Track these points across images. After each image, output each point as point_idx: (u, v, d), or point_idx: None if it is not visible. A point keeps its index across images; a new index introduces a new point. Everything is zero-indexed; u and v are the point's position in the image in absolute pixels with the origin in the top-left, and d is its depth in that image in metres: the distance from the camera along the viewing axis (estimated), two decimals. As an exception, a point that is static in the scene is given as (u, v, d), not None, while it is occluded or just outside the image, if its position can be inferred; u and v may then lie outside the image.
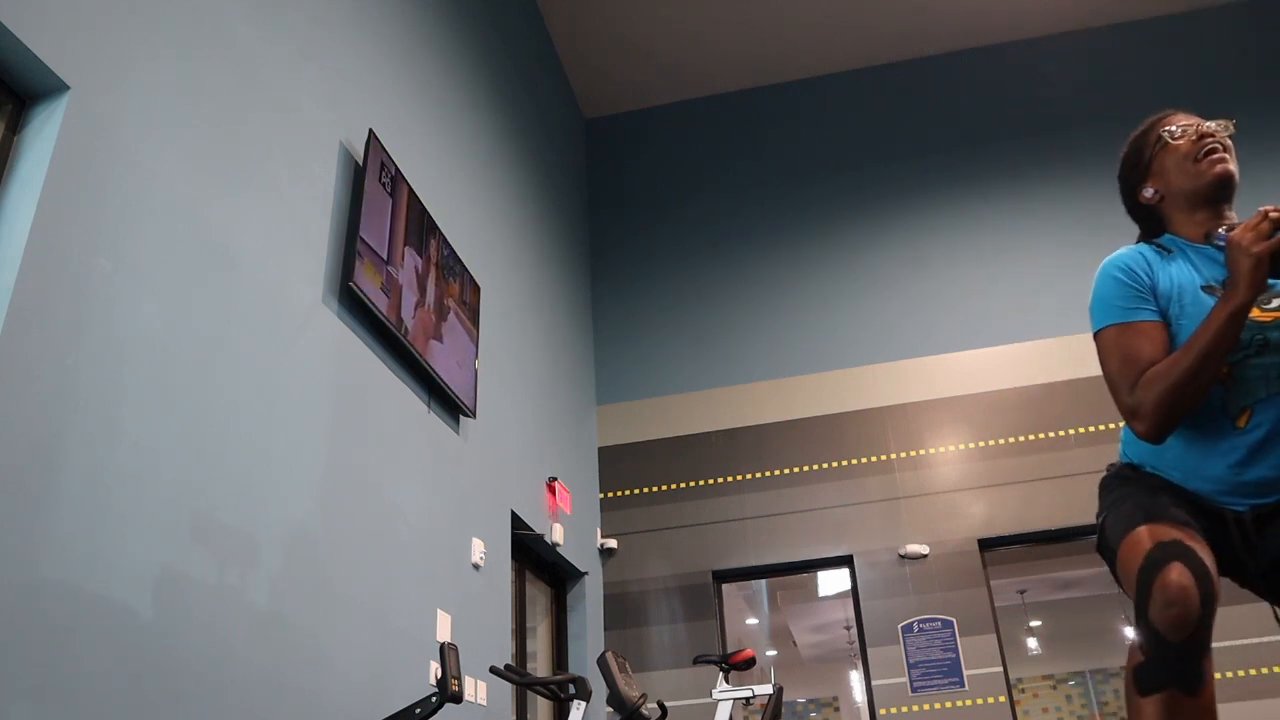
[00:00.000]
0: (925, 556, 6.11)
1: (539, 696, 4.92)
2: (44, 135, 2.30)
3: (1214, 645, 1.47)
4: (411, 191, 4.14)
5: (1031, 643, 12.49)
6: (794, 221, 7.43)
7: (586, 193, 7.92)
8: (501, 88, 6.01)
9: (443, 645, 2.52)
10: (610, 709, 4.20)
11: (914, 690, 5.79)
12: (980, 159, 7.34)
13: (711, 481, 6.67)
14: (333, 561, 3.21)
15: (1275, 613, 1.69)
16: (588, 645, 6.01)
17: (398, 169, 4.03)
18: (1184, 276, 1.74)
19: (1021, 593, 11.12)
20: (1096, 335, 1.76)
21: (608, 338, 7.36)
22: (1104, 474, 1.86)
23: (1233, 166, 1.77)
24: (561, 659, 5.95)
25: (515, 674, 3.61)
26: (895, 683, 5.85)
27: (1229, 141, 1.80)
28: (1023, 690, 13.47)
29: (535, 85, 6.86)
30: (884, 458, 6.47)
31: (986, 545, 6.13)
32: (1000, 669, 5.76)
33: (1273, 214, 1.57)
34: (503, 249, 5.60)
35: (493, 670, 3.61)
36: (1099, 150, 7.12)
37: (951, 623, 5.90)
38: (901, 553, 6.15)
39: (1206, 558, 1.48)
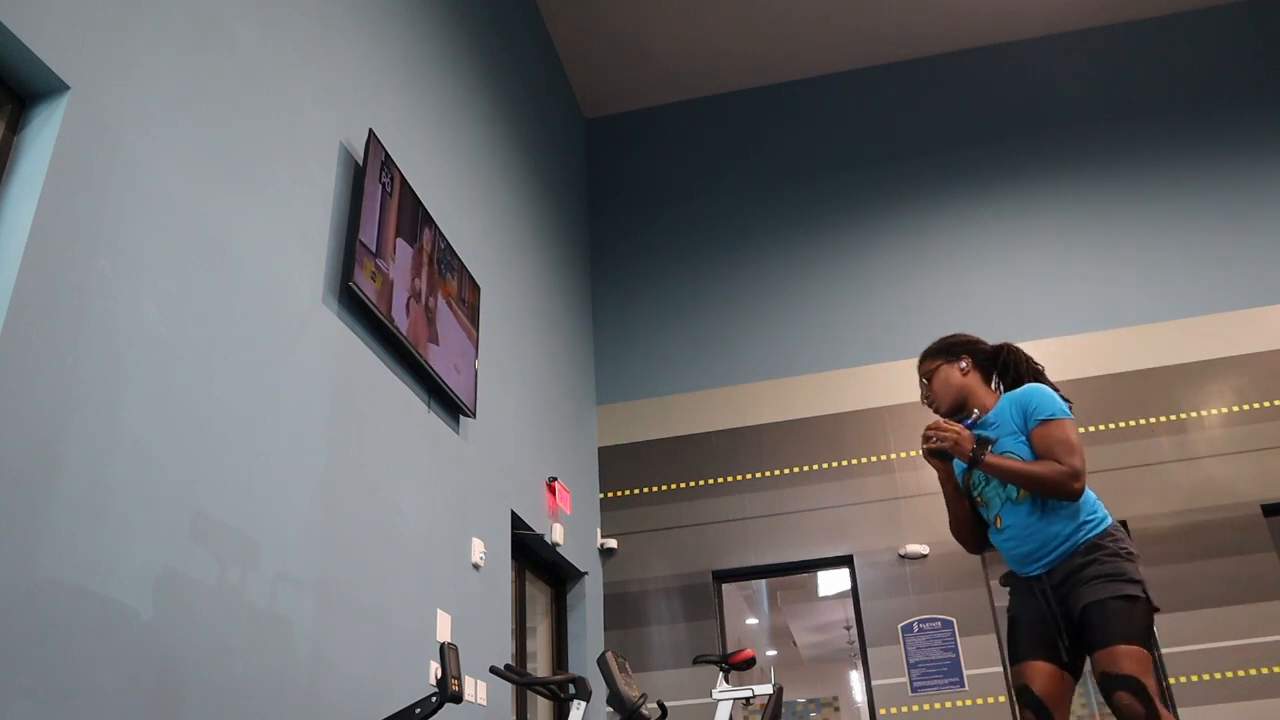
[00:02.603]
0: (925, 556, 6.11)
1: (539, 696, 4.92)
2: (44, 135, 2.30)
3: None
4: (410, 190, 4.14)
5: (1031, 643, 12.46)
6: (794, 221, 7.43)
7: (586, 192, 7.92)
8: (502, 88, 6.01)
9: (443, 645, 2.52)
10: (610, 709, 4.20)
11: (914, 690, 5.79)
12: (980, 159, 7.34)
13: (711, 481, 6.67)
14: (333, 561, 3.21)
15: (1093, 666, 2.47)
16: (588, 645, 6.00)
17: (398, 169, 4.03)
18: None
19: (1021, 593, 11.09)
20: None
21: (608, 338, 7.36)
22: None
23: (936, 413, 2.87)
24: (561, 659, 5.95)
25: (515, 674, 3.61)
26: (895, 683, 5.85)
27: (933, 393, 2.87)
28: (1023, 690, 13.44)
29: (535, 85, 6.86)
30: (884, 458, 6.47)
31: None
32: (1000, 669, 5.76)
33: (927, 431, 2.72)
34: (503, 249, 5.60)
35: (493, 670, 3.61)
36: (1100, 150, 7.16)
37: (951, 623, 5.90)
38: (901, 553, 6.15)
39: (1049, 687, 2.48)
